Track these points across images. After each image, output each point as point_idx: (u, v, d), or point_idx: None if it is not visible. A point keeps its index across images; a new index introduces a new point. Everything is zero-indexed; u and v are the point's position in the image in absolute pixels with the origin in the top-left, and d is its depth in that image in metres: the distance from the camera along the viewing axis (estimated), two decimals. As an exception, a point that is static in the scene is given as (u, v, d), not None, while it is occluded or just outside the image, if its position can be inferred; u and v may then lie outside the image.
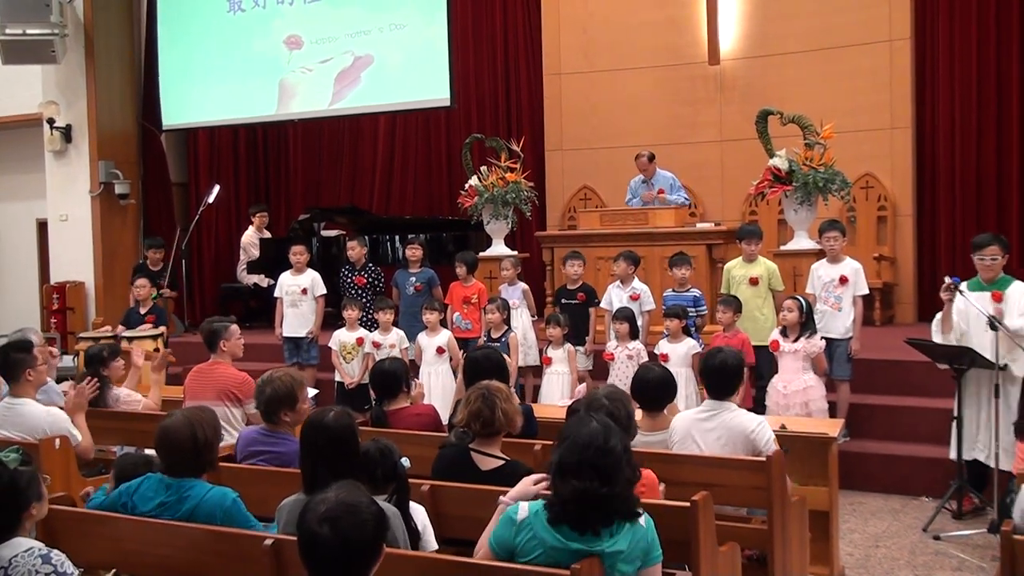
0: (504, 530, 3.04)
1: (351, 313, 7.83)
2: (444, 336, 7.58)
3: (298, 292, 8.45)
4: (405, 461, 3.58)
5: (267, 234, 11.80)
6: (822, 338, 6.60)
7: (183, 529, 3.44)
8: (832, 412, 6.70)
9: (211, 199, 11.70)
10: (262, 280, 11.29)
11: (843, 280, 6.97)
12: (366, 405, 7.52)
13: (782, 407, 6.46)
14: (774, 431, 5.03)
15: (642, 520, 3.01)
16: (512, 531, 3.02)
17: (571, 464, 2.93)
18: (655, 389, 4.57)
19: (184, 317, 11.37)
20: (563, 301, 7.91)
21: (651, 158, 9.48)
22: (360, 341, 7.74)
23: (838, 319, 6.95)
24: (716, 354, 4.44)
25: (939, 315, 6.09)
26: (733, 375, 4.38)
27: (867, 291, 7.04)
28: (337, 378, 7.90)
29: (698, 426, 4.40)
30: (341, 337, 7.87)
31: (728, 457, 4.20)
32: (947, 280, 5.95)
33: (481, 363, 4.86)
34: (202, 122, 12.60)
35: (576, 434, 2.99)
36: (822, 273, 7.10)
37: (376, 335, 7.75)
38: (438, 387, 7.42)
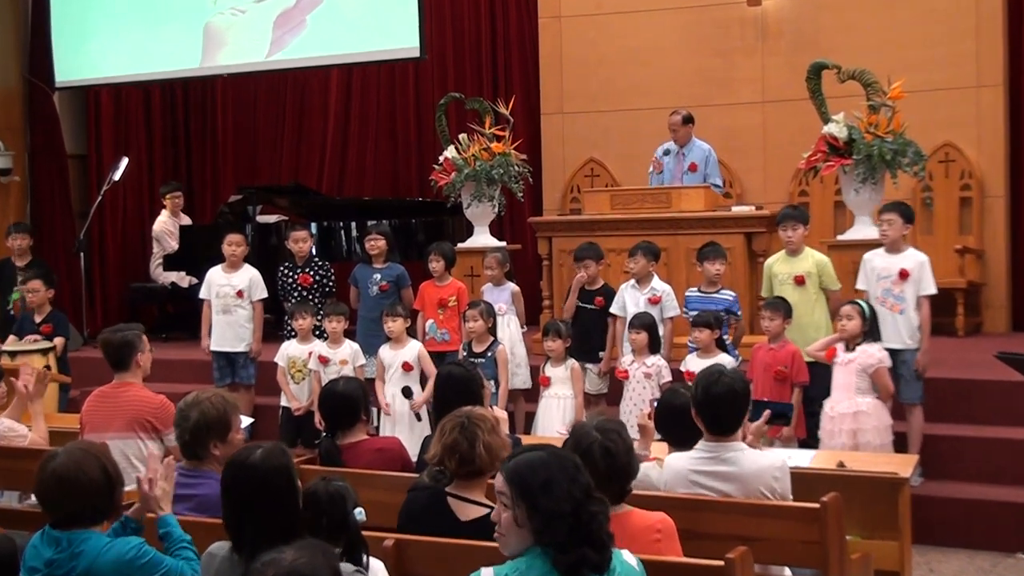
0: None
1: (302, 322, 7.84)
2: (412, 348, 7.58)
3: (232, 294, 8.43)
4: (359, 513, 3.58)
5: (185, 219, 11.79)
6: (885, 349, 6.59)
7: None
8: (901, 446, 6.70)
9: (117, 176, 11.67)
10: (182, 278, 11.27)
11: (903, 275, 6.96)
12: (317, 438, 7.54)
13: (827, 434, 6.47)
14: (830, 470, 5.06)
15: (631, 560, 3.08)
16: None
17: (565, 511, 2.98)
18: (685, 419, 4.57)
19: (83, 326, 11.34)
20: (579, 304, 7.94)
21: (687, 120, 9.51)
22: (324, 360, 7.75)
23: (899, 324, 6.94)
24: (719, 377, 4.31)
25: None
26: (743, 405, 4.36)
27: (934, 290, 7.04)
28: (283, 402, 7.91)
29: (698, 475, 4.33)
30: (290, 351, 7.88)
31: (770, 503, 4.22)
32: None
33: (446, 381, 4.93)
34: (106, 78, 12.56)
35: (550, 478, 3.02)
36: (878, 264, 7.10)
37: (324, 348, 7.75)
38: (405, 414, 7.43)
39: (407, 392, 7.26)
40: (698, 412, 4.34)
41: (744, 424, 4.50)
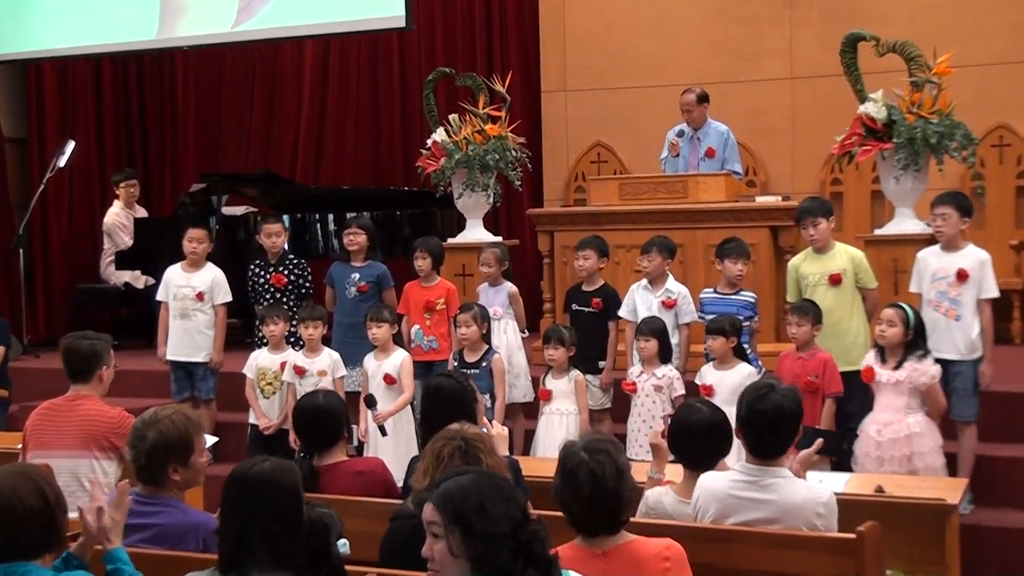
0: None
1: (275, 328, 7.82)
2: (396, 359, 7.56)
3: (191, 297, 8.41)
4: (343, 544, 3.60)
5: (140, 211, 11.77)
6: (936, 361, 6.57)
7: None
8: (950, 469, 6.70)
9: (62, 162, 11.66)
10: (136, 278, 11.26)
11: (961, 276, 6.91)
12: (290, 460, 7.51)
13: (874, 461, 6.42)
14: (867, 495, 5.06)
15: None
16: None
17: (504, 532, 3.09)
18: (702, 438, 4.59)
19: (23, 333, 11.32)
20: (573, 307, 7.92)
21: (702, 98, 9.52)
22: (284, 366, 7.75)
23: (955, 332, 6.90)
24: (767, 393, 4.34)
25: None
26: (791, 426, 4.36)
27: (996, 293, 7.01)
28: (251, 419, 7.90)
29: (733, 500, 4.35)
30: (260, 361, 7.87)
31: (800, 534, 4.22)
32: None
33: (435, 395, 4.92)
34: (49, 51, 12.51)
35: (483, 499, 3.12)
36: (933, 263, 7.06)
37: (299, 357, 7.75)
38: (389, 433, 7.40)
39: (370, 401, 7.15)
40: (739, 429, 4.39)
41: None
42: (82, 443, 5.60)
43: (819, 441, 4.77)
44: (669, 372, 7.16)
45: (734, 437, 4.58)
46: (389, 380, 7.50)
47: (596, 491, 3.65)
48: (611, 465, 3.70)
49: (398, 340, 7.84)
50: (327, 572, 3.58)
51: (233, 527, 3.48)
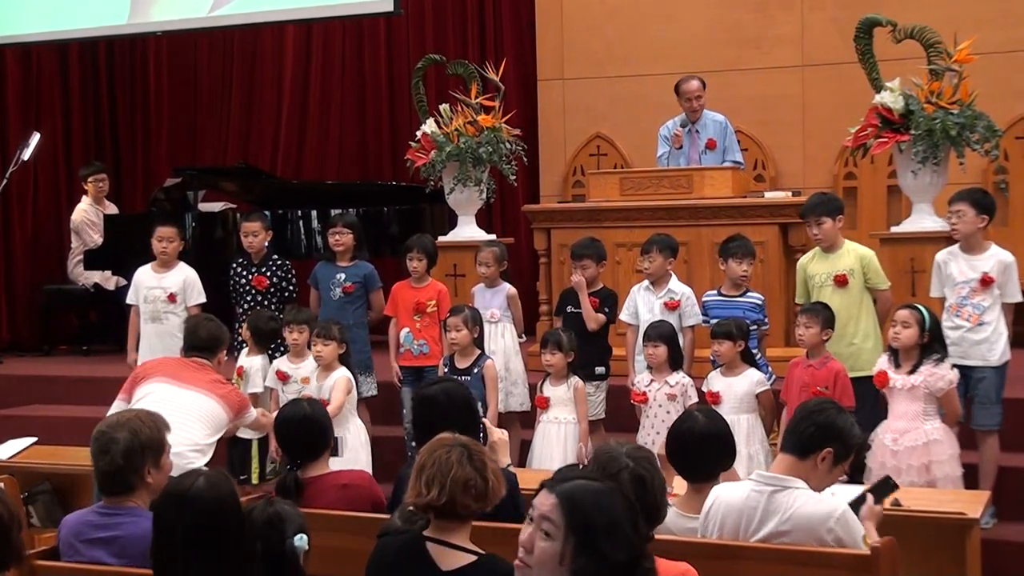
0: None
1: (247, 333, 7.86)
2: (332, 379, 7.37)
3: (163, 299, 8.41)
4: (299, 539, 3.59)
5: (111, 207, 11.76)
6: (954, 367, 6.56)
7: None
8: (971, 481, 6.71)
9: (27, 155, 11.64)
10: (106, 279, 11.25)
11: (985, 281, 6.94)
12: (243, 474, 7.47)
13: (890, 471, 6.42)
14: (886, 510, 5.06)
15: None
16: None
17: (620, 560, 3.01)
18: (703, 448, 4.58)
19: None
20: (569, 310, 7.92)
21: (703, 85, 9.54)
22: (240, 372, 7.77)
23: (979, 339, 6.92)
24: (820, 403, 4.38)
25: None
26: (829, 432, 4.29)
27: (1020, 298, 7.04)
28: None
29: (751, 510, 4.33)
30: (240, 361, 7.94)
31: (812, 549, 4.22)
32: None
33: (441, 403, 4.89)
34: (11, 37, 12.51)
35: (616, 518, 3.03)
36: (953, 268, 7.08)
37: (284, 363, 7.74)
38: (359, 444, 7.40)
39: None
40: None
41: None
42: (207, 387, 6.06)
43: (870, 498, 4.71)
44: (683, 379, 7.12)
45: (736, 448, 4.58)
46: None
47: (644, 503, 3.61)
48: (657, 474, 3.69)
49: (347, 356, 7.72)
50: (285, 570, 3.59)
51: (170, 548, 3.47)
